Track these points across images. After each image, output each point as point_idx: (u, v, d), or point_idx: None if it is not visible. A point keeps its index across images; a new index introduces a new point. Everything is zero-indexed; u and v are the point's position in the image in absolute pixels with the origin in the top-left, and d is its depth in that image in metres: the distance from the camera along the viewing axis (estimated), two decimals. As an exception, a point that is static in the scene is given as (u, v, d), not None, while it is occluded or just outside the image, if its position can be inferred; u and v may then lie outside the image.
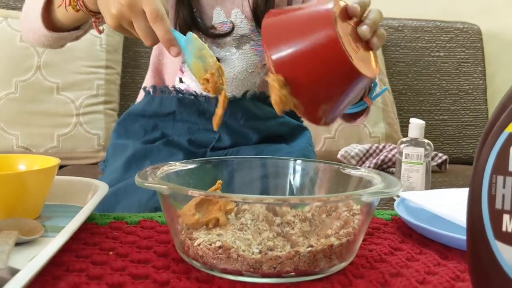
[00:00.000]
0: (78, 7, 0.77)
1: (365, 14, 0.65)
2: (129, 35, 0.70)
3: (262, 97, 1.06)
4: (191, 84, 1.04)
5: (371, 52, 0.66)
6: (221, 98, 0.62)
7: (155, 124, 1.06)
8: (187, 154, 0.99)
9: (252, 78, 1.04)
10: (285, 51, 0.57)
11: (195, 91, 1.03)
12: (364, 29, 0.63)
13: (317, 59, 0.57)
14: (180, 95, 1.04)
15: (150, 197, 0.89)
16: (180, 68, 1.04)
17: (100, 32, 0.81)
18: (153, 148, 1.00)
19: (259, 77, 1.05)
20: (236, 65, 1.02)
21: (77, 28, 0.89)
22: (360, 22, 0.64)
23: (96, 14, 0.77)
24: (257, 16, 1.00)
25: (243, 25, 1.01)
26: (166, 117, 1.05)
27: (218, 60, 1.01)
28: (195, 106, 1.03)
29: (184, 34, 1.00)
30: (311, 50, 0.57)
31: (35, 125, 1.59)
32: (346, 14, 0.63)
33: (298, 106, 0.59)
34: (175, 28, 0.99)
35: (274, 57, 0.57)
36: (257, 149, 1.01)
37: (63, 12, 0.82)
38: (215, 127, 0.63)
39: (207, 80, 0.62)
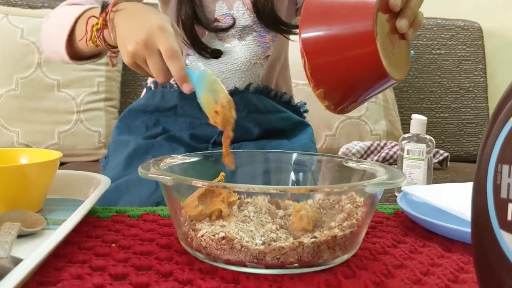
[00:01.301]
0: (98, 42, 0.81)
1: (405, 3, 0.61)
2: (142, 72, 0.73)
3: (265, 91, 1.06)
4: None
5: (406, 40, 0.63)
6: (224, 139, 0.61)
7: (156, 120, 1.06)
8: (189, 149, 0.99)
9: (256, 70, 1.04)
10: (322, 60, 0.56)
11: None
12: (402, 23, 0.60)
13: (354, 70, 0.55)
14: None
15: (152, 192, 0.89)
16: (185, 62, 1.05)
17: (114, 65, 0.85)
18: (154, 143, 1.00)
19: (263, 70, 1.05)
20: (240, 56, 1.02)
21: (97, 55, 0.94)
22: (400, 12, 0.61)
23: (114, 48, 0.80)
24: (258, 9, 1.00)
25: (245, 16, 1.02)
26: (168, 111, 1.05)
27: (221, 52, 1.01)
28: (196, 100, 1.03)
29: (187, 29, 1.01)
30: (348, 63, 0.55)
31: (36, 122, 1.58)
32: (387, 5, 0.59)
33: (329, 106, 0.58)
34: (178, 24, 0.99)
35: (312, 70, 0.56)
36: (259, 145, 1.01)
37: (84, 45, 0.86)
38: (231, 166, 0.61)
39: (217, 112, 0.62)
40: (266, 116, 1.06)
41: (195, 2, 0.99)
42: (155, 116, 1.06)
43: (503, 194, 0.37)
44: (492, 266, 0.38)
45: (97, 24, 0.79)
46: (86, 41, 0.82)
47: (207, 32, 1.02)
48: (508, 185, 0.36)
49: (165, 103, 1.05)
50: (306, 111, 1.17)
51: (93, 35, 0.80)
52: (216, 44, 1.02)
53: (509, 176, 0.36)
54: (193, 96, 1.04)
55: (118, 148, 1.05)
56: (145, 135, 1.04)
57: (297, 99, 1.18)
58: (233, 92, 1.02)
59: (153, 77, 0.72)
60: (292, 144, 1.05)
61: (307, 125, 1.12)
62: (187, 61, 1.04)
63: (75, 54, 0.92)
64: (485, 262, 0.39)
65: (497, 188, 0.37)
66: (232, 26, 1.01)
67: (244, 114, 1.03)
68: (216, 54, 1.02)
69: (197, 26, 1.00)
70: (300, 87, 1.59)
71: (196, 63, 1.03)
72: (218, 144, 1.03)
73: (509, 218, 0.36)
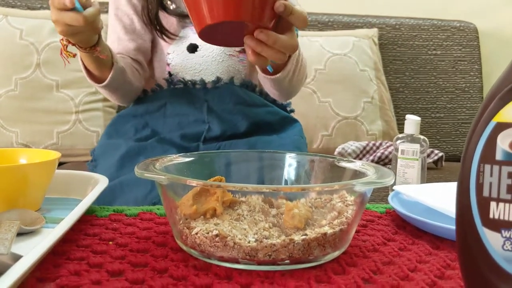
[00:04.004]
0: (71, 52, 0.90)
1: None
2: (87, 34, 0.85)
3: (251, 86, 1.10)
4: (179, 73, 1.10)
5: None
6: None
7: (145, 123, 1.08)
8: (180, 149, 1.01)
9: (233, 63, 1.09)
10: None
11: (183, 78, 1.07)
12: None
13: None
14: (171, 86, 1.08)
15: (147, 193, 0.90)
16: (167, 62, 1.10)
17: (105, 56, 0.93)
18: (146, 145, 1.01)
19: (243, 65, 1.10)
20: (214, 48, 1.08)
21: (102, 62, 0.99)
22: None
23: (89, 47, 0.89)
24: None
25: None
26: (157, 112, 1.08)
27: (197, 47, 1.08)
28: (184, 96, 1.07)
29: (152, 16, 1.10)
30: None
31: (35, 122, 1.60)
32: None
33: None
34: (143, 11, 1.10)
35: None
36: (250, 142, 1.02)
37: (86, 63, 0.97)
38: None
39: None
40: (253, 109, 1.08)
41: None
42: (144, 119, 1.08)
43: (485, 193, 0.38)
44: (475, 262, 0.39)
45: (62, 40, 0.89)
46: (64, 58, 0.93)
47: (182, 29, 1.09)
48: (490, 184, 0.38)
49: (154, 103, 1.08)
50: (292, 110, 1.19)
51: (64, 51, 0.90)
52: (192, 39, 1.08)
53: (490, 176, 0.38)
54: (181, 91, 1.08)
55: (107, 151, 1.05)
56: (135, 138, 1.06)
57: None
58: (217, 82, 1.07)
59: (95, 32, 0.84)
60: (283, 140, 1.06)
61: (295, 120, 1.14)
62: (168, 60, 1.09)
63: (99, 79, 1.01)
64: (469, 258, 0.40)
65: (479, 187, 0.38)
66: None
67: (231, 106, 1.06)
68: (192, 49, 1.09)
69: (162, 15, 1.08)
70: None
71: (176, 60, 1.09)
72: (208, 140, 1.05)
73: (491, 216, 0.38)
